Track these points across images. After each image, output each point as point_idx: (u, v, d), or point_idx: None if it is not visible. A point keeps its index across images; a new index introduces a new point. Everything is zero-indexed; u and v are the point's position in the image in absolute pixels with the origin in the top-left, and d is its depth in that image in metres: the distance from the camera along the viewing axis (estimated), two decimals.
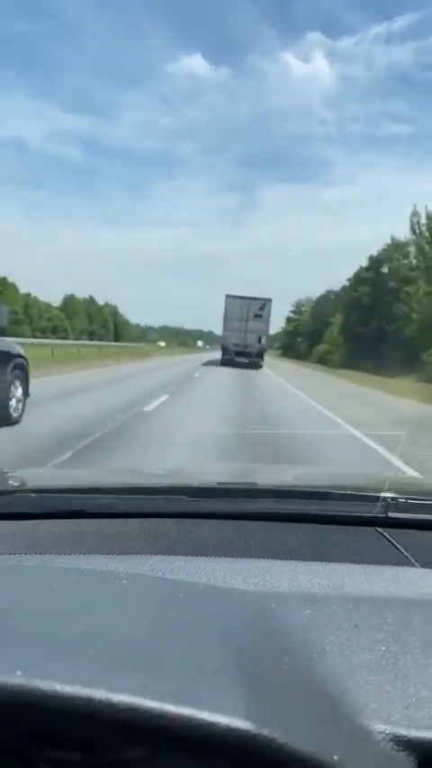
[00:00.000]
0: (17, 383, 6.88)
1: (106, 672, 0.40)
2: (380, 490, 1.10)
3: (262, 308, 29.31)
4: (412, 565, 0.88)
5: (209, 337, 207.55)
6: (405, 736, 0.44)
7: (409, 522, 1.03)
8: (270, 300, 30.19)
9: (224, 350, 29.21)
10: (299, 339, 69.93)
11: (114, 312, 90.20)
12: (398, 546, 0.95)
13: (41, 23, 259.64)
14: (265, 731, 0.37)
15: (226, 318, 29.24)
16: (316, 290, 77.47)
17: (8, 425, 6.61)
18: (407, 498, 1.08)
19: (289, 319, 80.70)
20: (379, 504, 1.05)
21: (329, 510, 1.08)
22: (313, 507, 1.09)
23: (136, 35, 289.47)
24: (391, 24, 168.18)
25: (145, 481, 1.54)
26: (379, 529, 1.01)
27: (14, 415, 6.81)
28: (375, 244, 52.25)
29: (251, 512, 1.08)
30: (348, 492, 1.15)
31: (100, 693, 0.37)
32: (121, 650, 0.45)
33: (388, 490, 1.10)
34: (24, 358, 7.20)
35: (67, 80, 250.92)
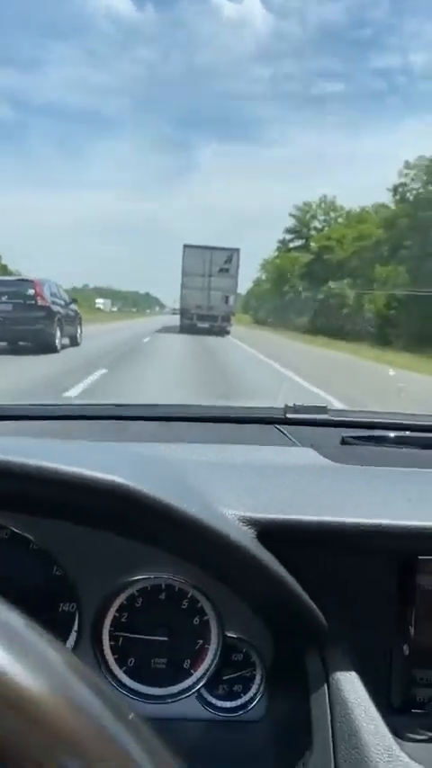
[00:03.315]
0: (78, 326, 14.04)
1: (32, 450, 0.59)
2: (283, 403, 1.38)
3: (228, 260, 23.60)
4: (297, 446, 1.13)
5: (145, 300, 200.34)
6: (246, 516, 0.67)
7: (301, 421, 1.29)
8: (237, 250, 23.86)
9: (183, 313, 24.00)
10: (331, 284, 32.44)
11: None
12: (290, 437, 1.19)
13: None
14: (136, 485, 0.56)
15: (184, 274, 23.65)
16: (262, 252, 56.70)
17: (77, 346, 13.67)
18: (303, 404, 1.36)
19: (279, 250, 50.45)
20: (278, 408, 1.34)
21: (243, 413, 1.42)
22: (231, 411, 1.43)
23: None
24: None
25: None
26: (278, 426, 1.27)
27: (79, 341, 13.99)
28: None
29: (178, 415, 1.39)
30: (259, 405, 1.54)
31: (20, 459, 0.54)
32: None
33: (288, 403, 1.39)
34: (79, 313, 14.30)
35: None
